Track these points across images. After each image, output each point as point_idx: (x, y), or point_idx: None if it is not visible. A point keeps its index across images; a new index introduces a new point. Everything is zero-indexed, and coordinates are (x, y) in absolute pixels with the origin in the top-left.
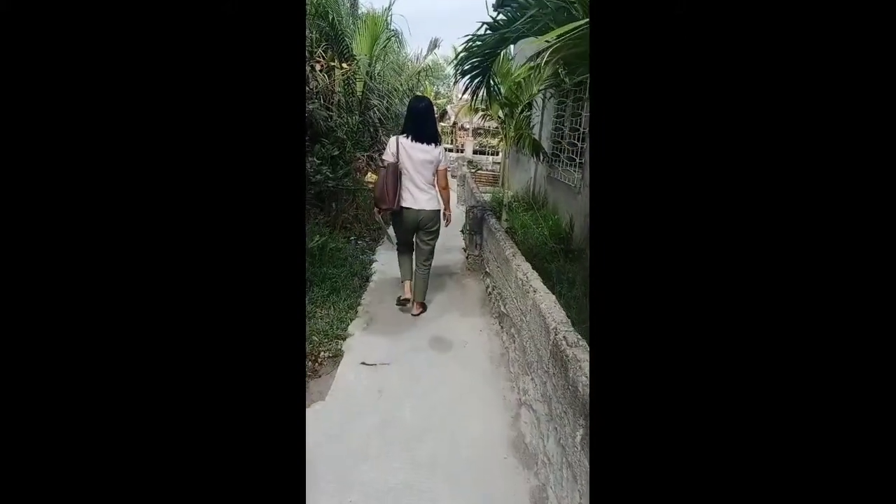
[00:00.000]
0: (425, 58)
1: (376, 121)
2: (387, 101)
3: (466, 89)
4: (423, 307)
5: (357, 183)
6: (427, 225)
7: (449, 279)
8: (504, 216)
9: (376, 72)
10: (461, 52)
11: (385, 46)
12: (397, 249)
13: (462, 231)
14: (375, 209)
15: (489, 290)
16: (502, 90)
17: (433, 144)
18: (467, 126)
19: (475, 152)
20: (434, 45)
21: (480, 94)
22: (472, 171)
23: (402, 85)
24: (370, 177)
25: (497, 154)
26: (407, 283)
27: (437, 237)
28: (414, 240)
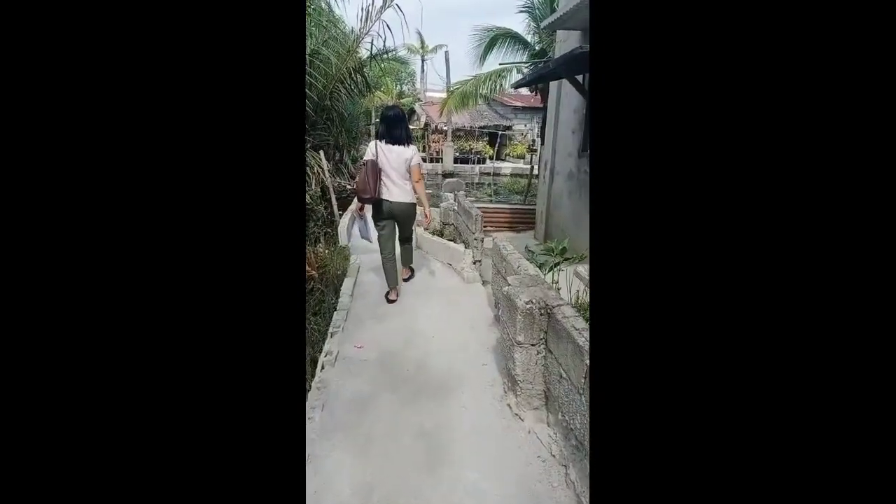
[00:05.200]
0: (379, 15)
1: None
2: (329, 94)
3: None
4: (411, 271)
5: None
6: (401, 215)
7: None
8: None
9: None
10: None
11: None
12: (382, 258)
13: None
14: (357, 202)
15: None
16: None
17: (405, 146)
18: (444, 128)
19: (457, 161)
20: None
21: None
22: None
23: (346, 75)
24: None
25: (483, 161)
26: (393, 291)
27: (412, 223)
28: (394, 231)
